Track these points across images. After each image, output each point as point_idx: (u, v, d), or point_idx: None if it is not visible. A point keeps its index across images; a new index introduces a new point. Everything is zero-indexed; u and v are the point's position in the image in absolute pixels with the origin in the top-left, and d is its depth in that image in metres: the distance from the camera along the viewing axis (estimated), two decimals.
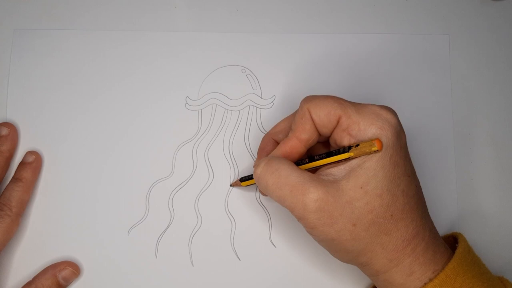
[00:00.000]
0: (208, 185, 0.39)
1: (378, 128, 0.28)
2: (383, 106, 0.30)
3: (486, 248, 0.33)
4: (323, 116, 0.30)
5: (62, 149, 0.39)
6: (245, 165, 0.39)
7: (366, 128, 0.29)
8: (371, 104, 0.30)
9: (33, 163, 0.38)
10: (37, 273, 0.37)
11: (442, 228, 0.38)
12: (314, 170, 0.31)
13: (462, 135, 0.40)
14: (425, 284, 0.29)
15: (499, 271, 0.33)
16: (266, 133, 0.36)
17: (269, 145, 0.35)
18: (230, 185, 0.38)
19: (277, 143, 0.35)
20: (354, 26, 0.41)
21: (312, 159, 0.31)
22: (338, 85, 0.39)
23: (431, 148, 0.39)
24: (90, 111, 0.39)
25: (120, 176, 0.39)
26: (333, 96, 0.30)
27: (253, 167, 0.35)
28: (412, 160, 0.31)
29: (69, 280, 0.37)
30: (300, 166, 0.31)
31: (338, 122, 0.30)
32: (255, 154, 0.39)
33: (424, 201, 0.31)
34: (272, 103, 0.40)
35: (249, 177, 0.35)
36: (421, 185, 0.31)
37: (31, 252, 0.37)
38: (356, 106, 0.30)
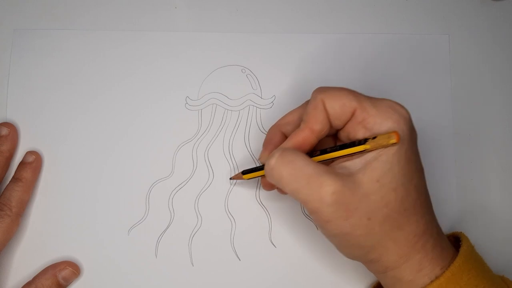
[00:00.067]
0: (208, 185, 0.39)
1: (394, 122, 0.28)
2: (395, 101, 0.30)
3: (486, 248, 0.33)
4: (338, 107, 0.29)
5: (62, 149, 0.39)
6: (245, 165, 0.39)
7: (382, 121, 0.28)
8: (385, 99, 0.30)
9: (33, 163, 0.38)
10: (37, 273, 0.37)
11: (442, 228, 0.37)
12: (325, 163, 0.31)
13: (462, 135, 0.40)
14: (432, 281, 0.29)
15: (500, 270, 0.33)
16: (272, 125, 0.35)
17: (277, 137, 0.34)
18: (230, 179, 0.38)
19: (284, 135, 0.34)
20: (354, 26, 0.41)
21: (324, 151, 0.30)
22: (338, 85, 0.39)
23: (431, 148, 0.39)
24: (90, 111, 0.39)
25: (120, 176, 0.39)
26: (347, 88, 0.30)
27: (259, 159, 0.34)
28: None
29: (69, 280, 0.37)
30: (312, 158, 0.30)
31: (352, 115, 0.29)
32: (255, 154, 0.39)
33: (430, 198, 0.31)
34: (272, 103, 0.40)
35: (252, 170, 0.35)
36: None
37: (31, 252, 0.37)
38: (371, 99, 0.29)
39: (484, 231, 0.39)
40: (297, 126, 0.32)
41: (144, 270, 0.37)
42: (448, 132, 0.40)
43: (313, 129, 0.30)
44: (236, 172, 0.38)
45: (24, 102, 0.39)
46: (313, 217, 0.29)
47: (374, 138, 0.28)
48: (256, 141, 0.39)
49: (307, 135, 0.30)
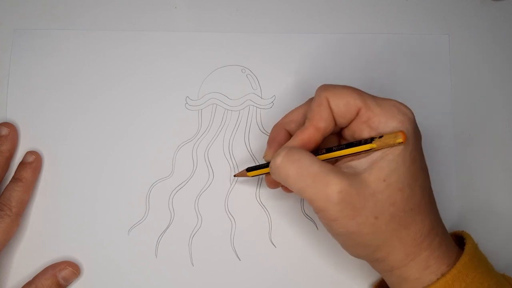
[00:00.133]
0: (208, 185, 0.39)
1: (399, 122, 0.28)
2: (400, 101, 0.30)
3: (487, 247, 0.33)
4: (342, 106, 0.29)
5: (62, 149, 0.39)
6: (245, 165, 0.39)
7: (387, 121, 0.29)
8: (389, 99, 0.30)
9: (33, 163, 0.38)
10: (37, 273, 0.37)
11: None
12: (331, 162, 0.31)
13: (462, 135, 0.40)
14: (438, 279, 0.29)
15: (500, 269, 0.33)
16: (276, 123, 0.35)
17: (281, 135, 0.34)
18: (235, 176, 0.38)
19: (288, 133, 0.34)
20: (354, 26, 0.41)
21: (330, 150, 0.30)
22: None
23: (431, 148, 0.39)
24: (90, 111, 0.39)
25: (120, 176, 0.39)
26: (352, 87, 0.30)
27: (263, 157, 0.34)
28: None
29: (69, 280, 0.37)
30: (317, 157, 0.30)
31: (357, 113, 0.29)
32: (256, 154, 0.39)
33: (434, 197, 0.31)
34: (272, 103, 0.40)
35: (257, 167, 0.35)
36: None
37: (31, 252, 0.37)
38: (376, 99, 0.29)
39: (485, 230, 0.38)
40: (301, 124, 0.32)
41: (144, 270, 0.37)
42: (448, 132, 0.40)
43: (318, 127, 0.30)
44: (237, 172, 0.38)
45: (24, 102, 0.39)
46: (319, 215, 0.29)
47: (380, 137, 0.28)
48: (256, 141, 0.39)
49: (312, 133, 0.30)
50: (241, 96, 0.40)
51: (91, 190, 0.38)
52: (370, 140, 0.28)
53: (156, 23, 0.41)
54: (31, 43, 0.40)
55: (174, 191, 0.38)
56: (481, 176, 0.39)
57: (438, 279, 0.29)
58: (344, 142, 0.32)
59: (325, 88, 0.30)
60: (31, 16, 0.41)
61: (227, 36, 0.41)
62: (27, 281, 0.36)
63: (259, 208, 0.38)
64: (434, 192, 0.31)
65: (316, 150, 0.31)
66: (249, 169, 0.35)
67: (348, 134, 0.31)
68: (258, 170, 0.34)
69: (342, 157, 0.30)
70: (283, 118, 0.34)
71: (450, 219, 0.39)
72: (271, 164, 0.30)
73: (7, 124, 0.39)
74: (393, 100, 0.30)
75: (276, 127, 0.35)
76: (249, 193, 0.38)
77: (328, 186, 0.27)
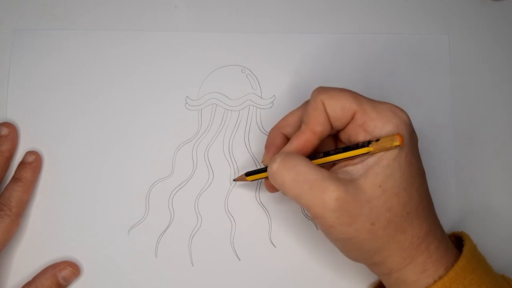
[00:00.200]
0: (208, 185, 0.39)
1: (394, 126, 0.28)
2: (396, 105, 0.30)
3: (486, 248, 0.33)
4: (338, 109, 0.29)
5: (62, 149, 0.39)
6: (245, 165, 0.39)
7: (383, 125, 0.28)
8: (386, 102, 0.30)
9: (33, 163, 0.38)
10: (37, 273, 0.37)
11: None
12: (327, 167, 0.31)
13: (462, 135, 0.40)
14: (436, 281, 0.29)
15: (500, 270, 0.33)
16: (273, 126, 0.35)
17: (278, 139, 0.34)
18: (234, 180, 0.38)
19: (285, 136, 0.34)
20: (354, 26, 0.41)
21: (327, 154, 0.30)
22: (338, 85, 0.39)
23: (431, 148, 0.39)
24: (90, 111, 0.39)
25: (120, 176, 0.39)
26: (348, 90, 0.30)
27: (261, 162, 0.34)
28: None
29: (69, 280, 0.37)
30: (314, 161, 0.30)
31: (353, 117, 0.29)
32: (255, 154, 0.39)
33: (432, 200, 0.31)
34: (272, 103, 0.40)
35: (255, 172, 0.35)
36: None
37: (31, 252, 0.37)
38: (372, 102, 0.29)
39: (485, 231, 0.38)
40: (298, 127, 0.32)
41: (144, 270, 0.37)
42: (448, 132, 0.40)
43: (314, 131, 0.30)
44: (237, 172, 0.38)
45: (24, 102, 0.39)
46: (317, 222, 0.29)
47: (377, 140, 0.28)
48: (256, 141, 0.39)
49: (308, 137, 0.30)
50: (241, 96, 0.40)
51: (91, 190, 0.38)
52: (367, 143, 0.28)
53: (156, 23, 0.41)
54: (31, 43, 0.40)
55: (174, 191, 0.38)
56: (481, 176, 0.39)
57: (435, 281, 0.29)
58: (340, 145, 0.32)
59: (321, 91, 0.30)
60: (31, 16, 0.41)
61: (227, 36, 0.41)
62: (27, 281, 0.36)
63: (259, 208, 0.38)
64: (433, 193, 0.31)
65: (314, 154, 0.31)
66: (248, 174, 0.35)
67: (344, 137, 0.31)
68: (257, 175, 0.35)
69: (338, 161, 0.30)
70: (279, 122, 0.34)
71: (450, 219, 0.39)
72: (268, 170, 0.30)
73: (7, 124, 0.39)
74: (390, 104, 0.29)
75: (273, 131, 0.35)
76: (249, 193, 0.38)
77: (324, 193, 0.27)
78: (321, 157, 0.30)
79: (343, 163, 0.30)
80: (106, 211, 0.38)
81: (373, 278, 0.37)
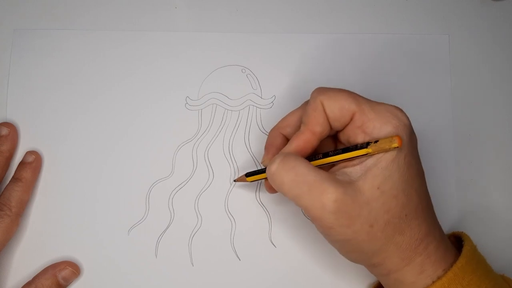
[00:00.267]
0: (208, 185, 0.39)
1: (393, 127, 0.28)
2: (395, 106, 0.30)
3: (486, 248, 0.33)
4: (337, 110, 0.29)
5: (62, 149, 0.39)
6: (245, 165, 0.39)
7: (381, 126, 0.28)
8: (384, 103, 0.30)
9: (33, 163, 0.38)
10: (37, 273, 0.36)
11: (442, 228, 0.38)
12: (326, 168, 0.31)
13: (462, 135, 0.40)
14: (434, 282, 0.29)
15: (500, 270, 0.33)
16: (273, 127, 0.35)
17: (278, 140, 0.34)
18: (234, 181, 0.38)
19: (285, 137, 0.34)
20: (354, 26, 0.41)
21: (327, 155, 0.30)
22: (338, 85, 0.39)
23: (431, 148, 0.39)
24: (90, 111, 0.39)
25: (120, 176, 0.39)
26: (347, 90, 0.30)
27: (261, 163, 0.34)
28: None
29: (69, 280, 0.37)
30: (314, 162, 0.30)
31: (352, 118, 0.29)
32: (256, 154, 0.39)
33: (431, 201, 0.31)
34: (272, 103, 0.40)
35: (256, 173, 0.35)
36: None
37: (31, 252, 0.37)
38: (371, 103, 0.29)
39: (485, 231, 0.38)
40: (297, 127, 0.32)
41: (144, 270, 0.37)
42: (448, 132, 0.40)
43: (313, 131, 0.30)
44: (237, 172, 0.38)
45: (24, 102, 0.39)
46: (315, 223, 0.29)
47: (376, 142, 0.28)
48: (256, 141, 0.39)
49: (308, 137, 0.30)
50: (241, 96, 0.40)
51: (91, 190, 0.38)
52: (366, 144, 0.28)
53: (156, 23, 0.41)
54: (31, 43, 0.40)
55: (174, 191, 0.38)
56: (481, 176, 0.39)
57: (433, 282, 0.29)
58: (340, 146, 0.32)
59: (320, 91, 0.30)
60: (31, 16, 0.41)
61: (227, 36, 0.41)
62: (27, 281, 0.36)
63: (259, 208, 0.38)
64: (433, 193, 0.31)
65: (313, 155, 0.31)
66: (248, 174, 0.35)
67: (343, 138, 0.31)
68: (257, 175, 0.35)
69: (337, 162, 0.30)
70: (279, 123, 0.34)
71: (450, 219, 0.39)
72: (267, 171, 0.30)
73: (7, 124, 0.39)
74: (389, 105, 0.29)
75: (272, 131, 0.35)
76: (249, 193, 0.38)
77: (323, 194, 0.27)
78: (320, 158, 0.30)
79: (342, 165, 0.30)
80: (106, 211, 0.38)
81: (372, 279, 0.37)
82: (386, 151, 0.28)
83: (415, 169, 0.29)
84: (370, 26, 0.41)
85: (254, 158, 0.39)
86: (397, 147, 0.27)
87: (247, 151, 0.39)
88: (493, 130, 0.40)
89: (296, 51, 0.40)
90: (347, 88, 0.31)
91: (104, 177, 0.39)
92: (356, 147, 0.29)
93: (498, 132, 0.40)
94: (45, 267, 0.37)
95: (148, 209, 0.38)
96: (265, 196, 0.38)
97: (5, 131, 0.38)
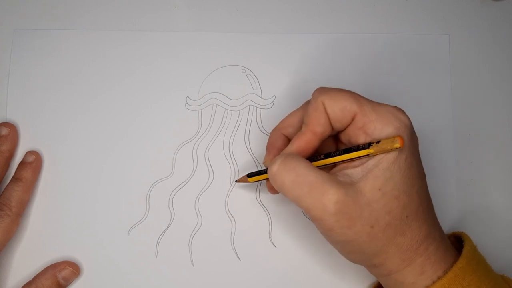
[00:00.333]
0: (208, 185, 0.39)
1: (395, 129, 0.28)
2: (397, 107, 0.30)
3: (486, 248, 0.33)
4: (338, 110, 0.29)
5: (62, 149, 0.39)
6: (245, 165, 0.39)
7: (383, 127, 0.28)
8: (386, 104, 0.29)
9: (33, 163, 0.38)
10: (37, 273, 0.36)
11: (443, 228, 0.38)
12: (327, 169, 0.31)
13: (462, 135, 0.40)
14: (434, 282, 0.29)
15: (500, 270, 0.33)
16: (274, 128, 0.35)
17: (279, 140, 0.34)
18: (236, 181, 0.38)
19: (286, 137, 0.34)
20: (354, 26, 0.41)
21: (328, 155, 0.30)
22: (338, 85, 0.39)
23: (431, 148, 0.39)
24: (90, 111, 0.39)
25: (120, 176, 0.39)
26: (349, 91, 0.30)
27: (263, 163, 0.34)
28: None
29: (69, 280, 0.37)
30: (315, 162, 0.30)
31: (353, 118, 0.29)
32: (256, 154, 0.39)
33: (432, 202, 0.31)
34: (272, 103, 0.40)
35: (257, 173, 0.35)
36: None
37: (31, 252, 0.37)
38: (372, 104, 0.29)
39: (485, 231, 0.38)
40: (299, 128, 0.32)
41: (144, 270, 0.37)
42: (448, 132, 0.40)
43: (315, 132, 0.30)
44: (237, 172, 0.38)
45: (24, 102, 0.39)
46: (316, 224, 0.29)
47: (378, 142, 0.28)
48: (257, 141, 0.39)
49: (309, 138, 0.30)
50: (241, 96, 0.40)
51: (91, 190, 0.38)
52: (368, 145, 0.28)
53: (156, 23, 0.41)
54: (31, 43, 0.40)
55: (174, 191, 0.38)
56: (481, 176, 0.39)
57: (434, 282, 0.29)
58: (341, 146, 0.32)
59: (321, 91, 0.30)
60: (31, 16, 0.41)
61: (227, 36, 0.41)
62: (27, 281, 0.36)
63: (259, 208, 0.38)
64: (433, 193, 0.31)
65: (315, 155, 0.31)
66: (250, 175, 0.35)
67: (344, 138, 0.31)
68: (259, 176, 0.34)
69: (339, 162, 0.30)
70: (280, 123, 0.34)
71: (450, 219, 0.39)
72: (268, 172, 0.30)
73: (7, 124, 0.39)
74: (390, 105, 0.29)
75: (274, 132, 0.35)
76: (249, 193, 0.38)
77: (324, 195, 0.27)
78: (322, 159, 0.30)
79: (343, 166, 0.30)
80: (106, 211, 0.38)
81: (372, 279, 0.37)
82: (388, 151, 0.28)
83: (416, 170, 0.29)
84: (370, 26, 0.41)
85: (254, 158, 0.39)
86: (399, 147, 0.27)
87: (247, 151, 0.39)
88: (493, 130, 0.40)
89: (296, 51, 0.40)
90: (347, 88, 0.30)
91: (104, 177, 0.39)
92: (358, 148, 0.29)
93: (498, 132, 0.40)
94: (45, 267, 0.37)
95: (148, 209, 0.38)
96: (265, 196, 0.38)
97: (5, 131, 0.38)
